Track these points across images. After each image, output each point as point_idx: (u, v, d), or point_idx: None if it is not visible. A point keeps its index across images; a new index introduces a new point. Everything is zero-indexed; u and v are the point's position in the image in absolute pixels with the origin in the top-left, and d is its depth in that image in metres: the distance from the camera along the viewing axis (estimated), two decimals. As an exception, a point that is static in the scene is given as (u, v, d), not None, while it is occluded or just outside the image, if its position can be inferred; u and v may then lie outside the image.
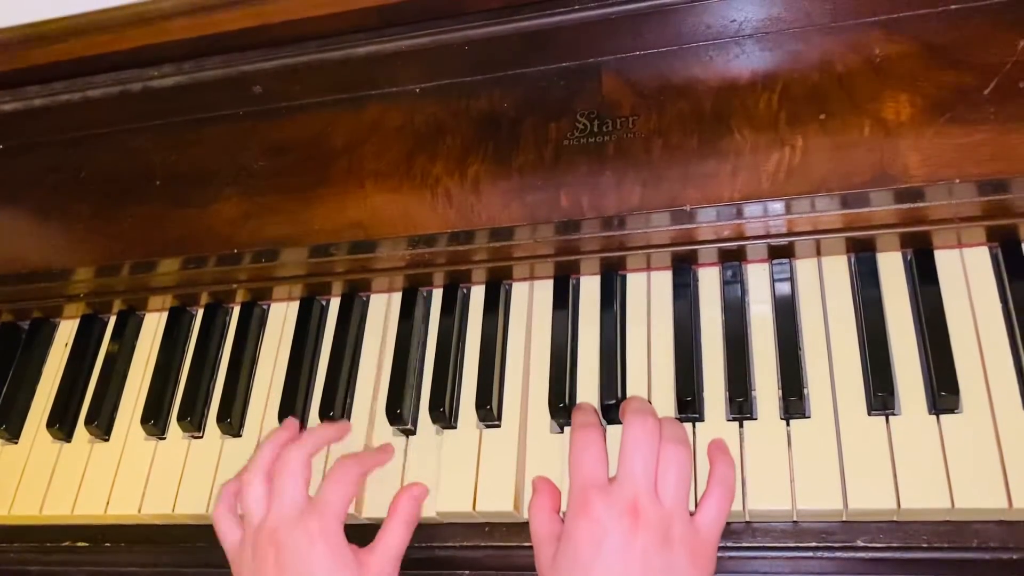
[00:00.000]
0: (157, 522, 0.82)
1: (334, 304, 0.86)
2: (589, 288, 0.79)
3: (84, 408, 0.88)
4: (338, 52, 0.79)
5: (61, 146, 0.90)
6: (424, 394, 0.78)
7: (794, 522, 0.67)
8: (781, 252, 0.74)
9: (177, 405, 0.85)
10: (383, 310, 0.84)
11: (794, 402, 0.68)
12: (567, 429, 0.73)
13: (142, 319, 0.92)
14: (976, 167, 0.64)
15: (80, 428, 0.87)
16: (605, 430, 0.69)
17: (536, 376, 0.76)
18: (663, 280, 0.77)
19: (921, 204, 0.68)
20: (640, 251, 0.75)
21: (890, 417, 0.66)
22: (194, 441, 0.83)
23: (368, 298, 0.86)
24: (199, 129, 0.86)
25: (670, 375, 0.73)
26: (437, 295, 0.83)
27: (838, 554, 0.66)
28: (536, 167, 0.74)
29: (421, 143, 0.78)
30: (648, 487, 0.63)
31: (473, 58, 0.78)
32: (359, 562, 0.68)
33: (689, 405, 0.70)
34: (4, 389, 0.92)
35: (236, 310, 0.89)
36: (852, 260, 0.73)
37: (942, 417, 0.65)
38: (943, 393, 0.65)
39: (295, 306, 0.87)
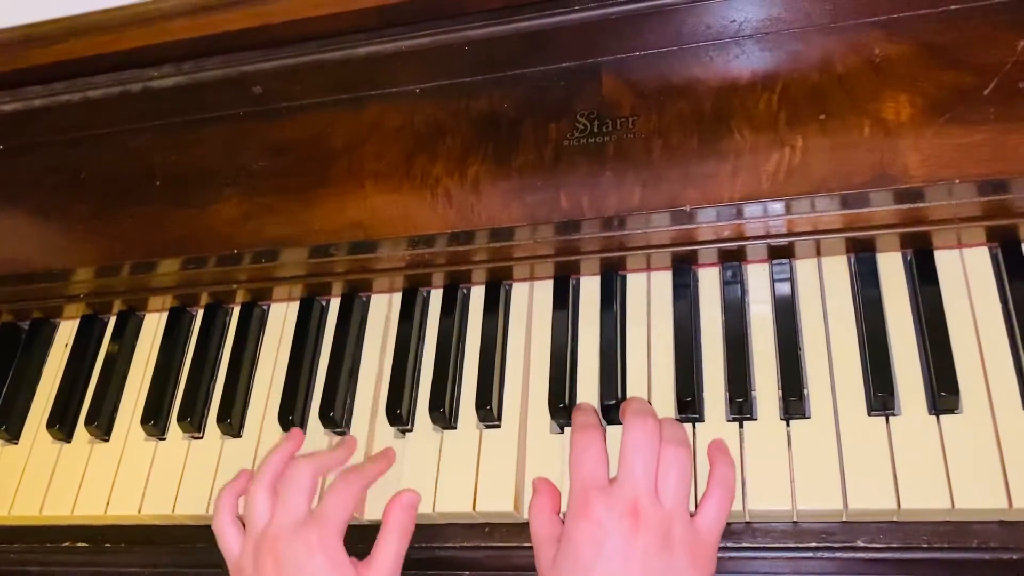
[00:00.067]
0: (157, 522, 0.82)
1: (334, 304, 0.86)
2: (589, 288, 0.79)
3: (84, 408, 0.88)
4: (338, 52, 0.79)
5: (61, 146, 0.90)
6: (424, 394, 0.78)
7: (794, 522, 0.67)
8: (781, 252, 0.74)
9: (177, 405, 0.85)
10: (383, 310, 0.84)
11: (794, 402, 0.68)
12: (567, 429, 0.73)
13: (142, 319, 0.92)
14: (976, 167, 0.64)
15: (80, 428, 0.87)
16: (605, 431, 0.69)
17: (536, 376, 0.76)
18: (663, 280, 0.77)
19: (921, 204, 0.68)
20: (640, 251, 0.75)
21: (890, 417, 0.66)
22: (194, 441, 0.83)
23: (368, 298, 0.86)
24: (199, 129, 0.86)
25: (670, 375, 0.73)
26: (437, 295, 0.83)
27: (838, 554, 0.66)
28: (536, 167, 0.74)
29: (421, 143, 0.78)
30: (648, 488, 0.63)
31: (473, 58, 0.78)
32: (358, 574, 0.68)
33: (689, 405, 0.70)
34: (4, 389, 0.92)
35: (236, 310, 0.89)
36: (852, 260, 0.73)
37: (942, 417, 0.65)
38: (943, 393, 0.65)
39: (295, 306, 0.87)
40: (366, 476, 0.73)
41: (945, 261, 0.71)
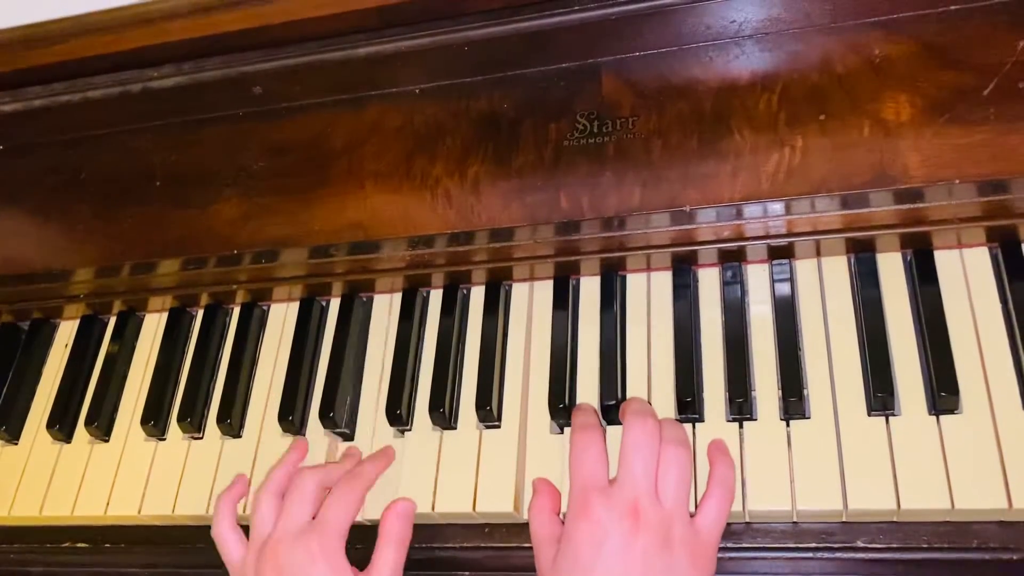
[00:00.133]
0: (157, 523, 0.82)
1: (334, 305, 0.86)
2: (589, 289, 0.79)
3: (84, 409, 0.88)
4: (338, 53, 0.79)
5: (61, 147, 0.90)
6: (424, 395, 0.78)
7: (794, 523, 0.67)
8: (781, 253, 0.74)
9: (177, 406, 0.85)
10: (383, 311, 0.84)
11: (794, 403, 0.68)
12: (567, 430, 0.73)
13: (142, 320, 0.92)
14: (976, 167, 0.64)
15: (80, 429, 0.87)
16: (605, 431, 0.69)
17: (536, 377, 0.76)
18: (663, 281, 0.77)
19: (921, 204, 0.68)
20: (640, 252, 0.75)
21: (890, 418, 0.66)
22: (194, 442, 0.83)
23: (368, 299, 0.86)
24: (199, 130, 0.86)
25: (670, 376, 0.73)
26: (437, 296, 0.83)
27: (838, 555, 0.66)
28: (536, 168, 0.74)
29: (421, 144, 0.78)
30: (648, 489, 0.63)
31: (473, 59, 0.78)
32: None
33: (689, 406, 0.70)
34: (4, 390, 0.92)
35: (236, 311, 0.89)
36: (852, 261, 0.73)
37: (942, 418, 0.65)
38: (943, 394, 0.65)
39: (295, 307, 0.87)
40: (366, 480, 0.73)
41: (945, 261, 0.71)
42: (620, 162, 0.72)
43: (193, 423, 0.83)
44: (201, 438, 0.84)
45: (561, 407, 0.73)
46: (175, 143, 0.87)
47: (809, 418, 0.68)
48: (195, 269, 0.84)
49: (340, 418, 0.79)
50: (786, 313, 0.72)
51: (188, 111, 0.86)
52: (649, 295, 0.77)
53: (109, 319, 0.93)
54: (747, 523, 0.68)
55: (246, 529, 0.74)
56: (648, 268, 0.78)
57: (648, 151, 0.72)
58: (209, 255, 0.82)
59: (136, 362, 0.90)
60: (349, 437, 0.80)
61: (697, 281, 0.77)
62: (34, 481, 0.85)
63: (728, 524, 0.67)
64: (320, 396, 0.80)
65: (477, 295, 0.82)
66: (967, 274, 0.70)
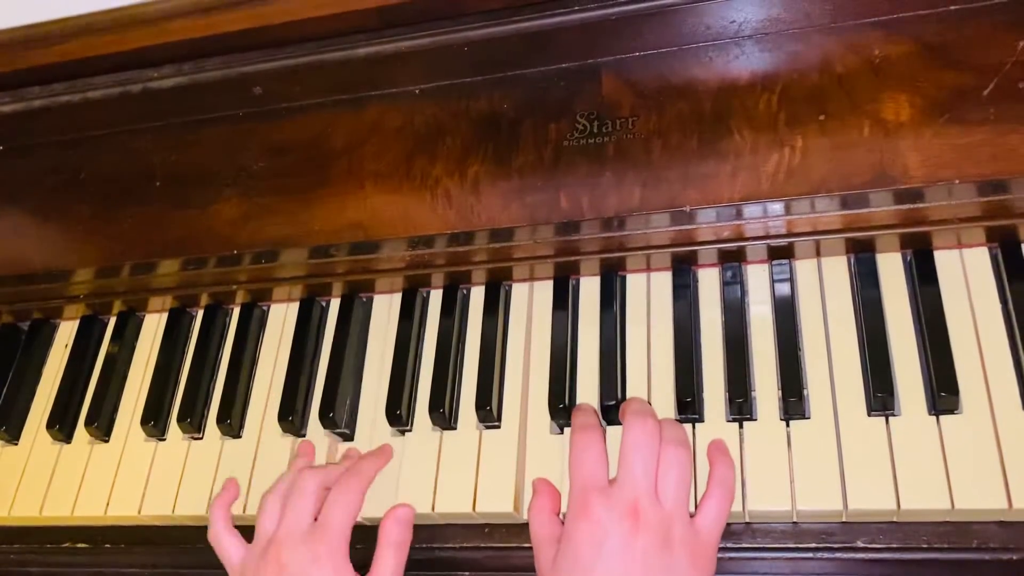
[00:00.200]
0: (157, 523, 0.82)
1: (334, 305, 0.86)
2: (589, 289, 0.79)
3: (84, 409, 0.88)
4: (338, 53, 0.79)
5: (61, 147, 0.90)
6: (424, 395, 0.78)
7: (794, 523, 0.67)
8: (781, 253, 0.74)
9: (177, 406, 0.85)
10: (383, 311, 0.84)
11: (794, 403, 0.68)
12: (567, 430, 0.73)
13: (142, 320, 0.92)
14: (975, 167, 0.64)
15: (80, 429, 0.87)
16: (605, 431, 0.69)
17: (536, 377, 0.76)
18: (663, 281, 0.77)
19: (921, 205, 0.68)
20: (640, 252, 0.75)
21: (890, 418, 0.66)
22: (194, 442, 0.83)
23: (368, 299, 0.86)
24: (199, 130, 0.86)
25: (670, 376, 0.73)
26: (437, 296, 0.83)
27: (838, 555, 0.66)
28: (536, 168, 0.74)
29: (421, 144, 0.78)
30: (648, 489, 0.63)
31: (473, 59, 0.78)
32: None
33: (689, 406, 0.70)
34: (4, 390, 0.92)
35: (236, 311, 0.89)
36: (852, 261, 0.73)
37: (942, 418, 0.65)
38: (943, 394, 0.65)
39: (295, 307, 0.87)
40: (365, 477, 0.73)
41: (945, 261, 0.71)
42: (620, 162, 0.72)
43: (193, 423, 0.83)
44: (201, 438, 0.84)
45: (561, 407, 0.73)
46: (175, 143, 0.87)
47: (809, 418, 0.68)
48: (195, 269, 0.84)
49: (340, 418, 0.79)
50: (786, 313, 0.72)
51: (188, 111, 0.86)
52: (649, 295, 0.77)
53: (109, 319, 0.93)
54: (747, 523, 0.68)
55: (242, 530, 0.74)
56: (648, 268, 0.78)
57: (648, 151, 0.72)
58: (209, 255, 0.82)
59: (136, 362, 0.90)
60: (349, 437, 0.80)
61: (697, 281, 0.77)
62: (34, 481, 0.85)
63: (728, 524, 0.67)
64: (320, 396, 0.80)
65: (477, 295, 0.82)
66: (967, 274, 0.70)
